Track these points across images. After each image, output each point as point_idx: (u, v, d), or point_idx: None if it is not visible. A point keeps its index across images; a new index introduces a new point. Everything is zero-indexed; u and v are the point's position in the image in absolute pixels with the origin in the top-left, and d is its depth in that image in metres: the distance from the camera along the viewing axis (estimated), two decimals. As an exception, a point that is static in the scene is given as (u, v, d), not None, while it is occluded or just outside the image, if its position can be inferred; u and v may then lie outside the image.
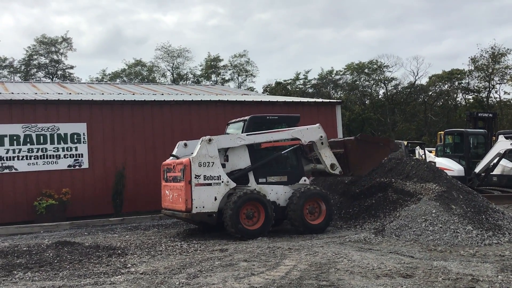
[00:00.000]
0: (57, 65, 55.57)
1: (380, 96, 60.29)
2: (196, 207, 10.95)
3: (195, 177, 10.96)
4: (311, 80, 60.95)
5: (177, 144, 12.50)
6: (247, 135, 11.77)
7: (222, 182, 11.19)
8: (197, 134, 16.64)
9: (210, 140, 11.24)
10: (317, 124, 12.60)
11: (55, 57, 55.22)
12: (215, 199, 11.12)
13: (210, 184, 11.07)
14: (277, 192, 11.81)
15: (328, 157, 12.35)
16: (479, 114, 24.22)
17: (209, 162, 11.11)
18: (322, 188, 12.76)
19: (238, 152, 11.69)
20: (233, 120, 13.22)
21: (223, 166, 11.41)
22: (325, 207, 11.86)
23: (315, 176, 13.93)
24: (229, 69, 61.44)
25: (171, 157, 12.29)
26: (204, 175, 11.03)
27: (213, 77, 60.76)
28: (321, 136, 12.29)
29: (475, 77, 55.83)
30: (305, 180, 12.18)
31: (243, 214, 11.11)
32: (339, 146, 12.74)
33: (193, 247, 10.15)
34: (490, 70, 53.93)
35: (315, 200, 11.83)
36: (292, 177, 12.10)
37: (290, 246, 9.74)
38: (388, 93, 59.29)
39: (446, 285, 6.73)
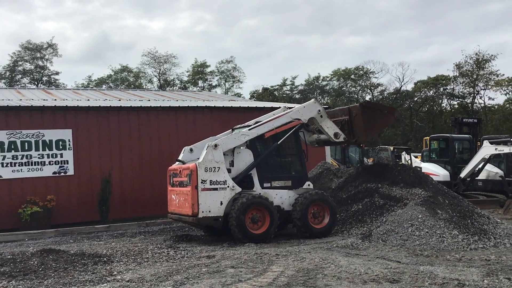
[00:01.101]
0: (43, 71, 55.20)
1: (366, 102, 60.50)
2: (203, 212, 11.09)
3: (202, 182, 11.11)
4: (298, 86, 61.26)
5: (183, 150, 12.63)
6: (249, 129, 11.95)
7: (228, 187, 11.34)
8: (184, 140, 16.62)
9: (216, 145, 11.38)
10: (312, 100, 12.99)
11: (40, 63, 54.90)
12: (221, 203, 11.26)
13: (216, 189, 11.24)
14: (281, 197, 11.94)
15: (330, 128, 12.64)
16: (464, 120, 24.52)
17: (215, 167, 11.25)
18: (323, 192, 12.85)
19: (243, 157, 11.84)
20: (238, 126, 13.35)
21: (229, 171, 11.53)
22: (329, 211, 11.97)
23: (320, 145, 14.06)
24: (216, 75, 61.53)
25: (177, 162, 12.40)
26: (210, 180, 11.18)
27: (200, 83, 60.77)
28: (319, 110, 12.57)
29: (460, 83, 56.51)
30: (309, 185, 12.29)
31: (248, 218, 11.23)
32: (344, 114, 13.02)
33: (180, 254, 10.08)
34: (475, 76, 54.57)
35: (319, 205, 11.93)
36: (296, 182, 12.21)
37: (278, 252, 9.72)
38: (374, 99, 59.68)
39: (433, 289, 6.74)
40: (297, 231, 11.90)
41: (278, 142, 12.07)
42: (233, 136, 11.81)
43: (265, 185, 11.90)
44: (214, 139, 12.46)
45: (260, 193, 11.65)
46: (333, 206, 12.11)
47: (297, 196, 11.97)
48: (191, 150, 12.50)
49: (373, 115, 12.74)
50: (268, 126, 12.06)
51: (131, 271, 8.57)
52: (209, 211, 11.16)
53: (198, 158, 11.54)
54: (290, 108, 13.49)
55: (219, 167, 11.30)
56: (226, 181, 11.33)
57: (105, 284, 7.63)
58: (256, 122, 12.49)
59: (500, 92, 56.30)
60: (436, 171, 19.87)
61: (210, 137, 12.78)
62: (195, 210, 11.11)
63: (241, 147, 12.05)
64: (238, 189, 11.45)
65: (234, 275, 7.80)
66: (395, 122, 13.67)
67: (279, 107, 14.30)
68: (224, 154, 11.49)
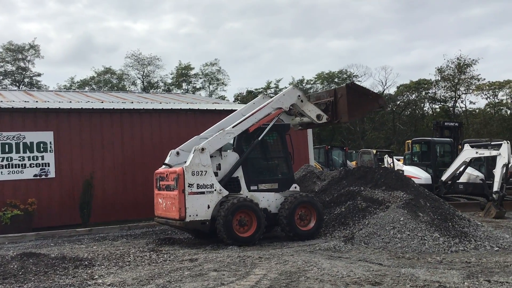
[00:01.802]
0: (24, 72, 54.50)
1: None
2: (190, 215, 11.06)
3: (189, 186, 11.08)
4: (282, 89, 61.16)
5: (169, 153, 12.55)
6: (233, 127, 11.96)
7: (215, 190, 11.33)
8: (167, 143, 16.56)
9: (203, 149, 11.36)
10: (291, 86, 13.16)
11: (22, 64, 54.16)
12: (208, 207, 11.24)
13: (203, 193, 11.22)
14: (268, 199, 11.96)
15: (312, 111, 12.78)
16: (446, 123, 24.75)
17: (202, 171, 11.25)
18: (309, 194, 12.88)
19: (229, 160, 11.84)
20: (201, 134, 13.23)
21: (216, 174, 11.51)
22: (316, 213, 12.00)
23: (304, 128, 14.08)
24: (200, 78, 61.35)
25: (164, 166, 12.33)
26: (197, 184, 11.17)
27: (184, 85, 60.53)
28: (299, 95, 12.70)
29: (442, 87, 57.19)
30: (295, 187, 12.32)
31: (235, 221, 11.23)
32: (329, 95, 13.12)
33: (163, 258, 10.02)
34: (456, 80, 55.28)
35: (306, 207, 11.97)
36: (283, 184, 12.25)
37: (261, 255, 9.72)
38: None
39: (414, 292, 6.80)
40: (284, 234, 11.94)
41: (261, 136, 12.04)
42: (219, 136, 11.78)
43: (252, 188, 11.91)
44: (199, 138, 12.47)
45: (247, 196, 11.66)
46: (320, 209, 12.15)
47: (283, 199, 11.99)
48: (177, 153, 12.45)
49: (358, 97, 12.77)
50: (251, 120, 12.06)
51: (112, 274, 8.50)
52: (196, 215, 11.13)
53: (185, 162, 11.51)
54: (267, 95, 13.72)
55: (206, 171, 11.30)
56: (213, 184, 11.32)
57: (86, 288, 7.56)
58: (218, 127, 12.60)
59: (481, 96, 57.22)
60: (418, 174, 20.07)
61: (195, 136, 12.72)
62: (182, 214, 11.08)
63: (228, 151, 12.05)
64: (225, 192, 11.44)
65: (216, 278, 7.78)
66: (379, 108, 13.85)
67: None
68: (211, 156, 11.49)
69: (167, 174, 11.82)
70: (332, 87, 13.23)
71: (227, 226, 11.05)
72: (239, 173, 11.84)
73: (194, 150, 11.40)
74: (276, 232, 12.73)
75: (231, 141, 12.18)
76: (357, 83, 14.61)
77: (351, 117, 12.94)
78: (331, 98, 12.90)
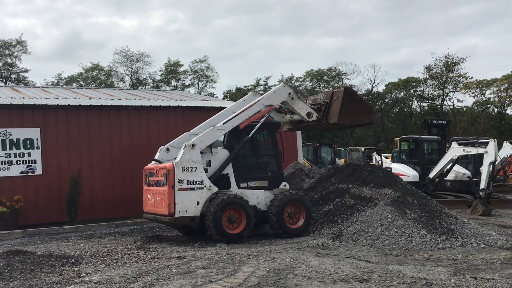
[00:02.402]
0: (11, 68, 53.96)
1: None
2: (179, 211, 11.04)
3: (179, 182, 11.06)
4: (272, 86, 61.20)
5: (159, 149, 12.51)
6: (223, 123, 11.94)
7: (205, 186, 11.31)
8: (155, 140, 16.50)
9: (193, 145, 11.33)
10: (281, 84, 13.14)
11: (9, 60, 53.61)
12: (198, 203, 11.23)
13: (193, 189, 11.21)
14: (258, 197, 11.97)
15: (302, 108, 12.80)
16: (433, 121, 24.90)
17: (192, 167, 11.22)
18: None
19: (220, 156, 11.83)
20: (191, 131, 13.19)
21: (206, 171, 11.49)
22: (305, 211, 12.04)
23: (293, 127, 14.00)
24: (189, 75, 61.15)
25: (154, 162, 12.28)
26: (187, 180, 11.14)
27: (173, 82, 60.31)
28: (290, 93, 12.71)
29: (430, 85, 57.52)
30: (285, 185, 12.34)
31: (225, 218, 11.23)
32: (326, 97, 13.09)
33: (150, 255, 9.97)
34: (444, 79, 55.60)
35: (295, 205, 12.00)
36: (273, 182, 12.27)
37: (249, 252, 9.71)
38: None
39: (401, 289, 6.83)
40: (273, 231, 11.95)
41: (251, 133, 12.02)
42: (209, 133, 11.75)
43: (242, 185, 11.92)
44: (189, 135, 12.41)
45: (236, 193, 11.66)
46: (309, 207, 12.19)
47: (273, 197, 12.01)
48: (167, 149, 12.41)
49: (352, 104, 12.71)
50: (242, 117, 12.05)
51: (99, 272, 8.44)
52: (186, 211, 11.12)
53: (175, 158, 11.47)
54: (257, 92, 13.65)
55: (196, 167, 11.28)
56: (203, 181, 11.31)
57: (73, 285, 7.51)
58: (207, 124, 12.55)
59: (469, 94, 57.65)
60: (406, 172, 20.17)
61: (185, 132, 12.67)
62: (171, 210, 11.05)
63: (218, 147, 12.02)
64: (215, 189, 11.43)
65: (204, 276, 7.76)
66: (369, 123, 13.70)
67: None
68: (201, 153, 11.46)
69: (156, 170, 11.77)
70: (330, 89, 13.10)
71: (216, 222, 11.04)
72: (229, 170, 11.83)
73: (185, 146, 11.36)
74: (264, 230, 12.73)
75: (222, 138, 12.16)
76: (358, 92, 14.29)
77: (340, 120, 12.66)
78: (327, 100, 12.89)
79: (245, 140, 12.02)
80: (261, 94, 13.30)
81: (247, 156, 12.45)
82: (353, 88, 12.54)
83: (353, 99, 12.92)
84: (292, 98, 12.70)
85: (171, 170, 11.11)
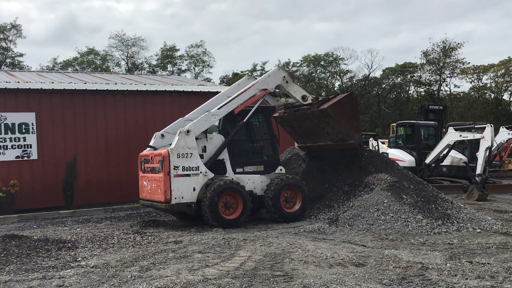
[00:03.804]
0: (6, 52, 53.56)
1: (335, 88, 61.08)
2: (175, 198, 11.03)
3: (174, 168, 11.03)
4: (268, 71, 61.05)
5: (154, 135, 12.43)
6: (218, 109, 11.86)
7: (201, 172, 11.28)
8: (151, 125, 16.44)
9: (188, 131, 11.27)
10: (276, 67, 13.06)
11: (3, 44, 53.19)
12: (194, 189, 11.21)
13: (188, 175, 11.18)
14: (254, 182, 11.96)
15: (297, 91, 12.74)
16: (430, 107, 24.92)
17: (187, 153, 11.19)
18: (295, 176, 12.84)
19: (215, 142, 11.79)
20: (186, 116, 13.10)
21: (201, 157, 11.45)
22: (301, 195, 12.06)
23: (289, 109, 13.53)
24: (186, 60, 60.83)
25: (148, 148, 12.22)
26: (182, 166, 11.11)
27: (169, 67, 60.00)
28: (284, 76, 12.66)
29: (427, 71, 57.48)
30: (281, 169, 12.33)
31: (221, 204, 11.23)
32: (332, 95, 13.05)
33: (147, 240, 9.99)
34: (441, 64, 55.53)
35: (291, 189, 12.01)
36: (269, 167, 12.25)
37: (245, 237, 9.72)
38: (344, 85, 60.13)
39: (397, 273, 6.86)
40: (270, 216, 11.98)
41: (246, 118, 11.95)
42: (204, 118, 11.69)
43: (238, 170, 11.90)
44: (184, 120, 12.34)
45: (232, 179, 11.64)
46: (305, 191, 12.20)
47: (269, 181, 12.00)
48: (162, 135, 12.33)
49: (348, 108, 12.42)
50: (236, 102, 11.98)
51: (96, 256, 8.44)
52: (182, 197, 11.10)
53: (170, 144, 11.42)
54: (252, 76, 13.51)
55: (192, 153, 11.24)
56: (198, 167, 11.28)
57: (69, 270, 7.50)
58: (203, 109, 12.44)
59: (466, 80, 57.69)
60: (402, 157, 20.19)
61: (180, 118, 12.60)
62: (167, 197, 11.03)
63: (213, 133, 11.96)
64: (211, 174, 11.41)
65: (201, 260, 7.77)
66: (350, 140, 12.46)
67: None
68: (196, 139, 11.41)
69: (152, 157, 11.72)
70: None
71: (212, 208, 11.04)
72: (225, 155, 11.80)
73: (180, 132, 11.31)
74: (261, 214, 12.74)
75: (217, 123, 12.10)
76: (357, 102, 13.71)
77: (329, 109, 12.11)
78: (332, 96, 12.89)
79: (240, 125, 11.97)
80: (256, 78, 13.20)
81: (242, 141, 12.41)
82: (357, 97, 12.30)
83: (352, 105, 12.59)
84: (287, 82, 12.63)
85: (166, 156, 11.07)
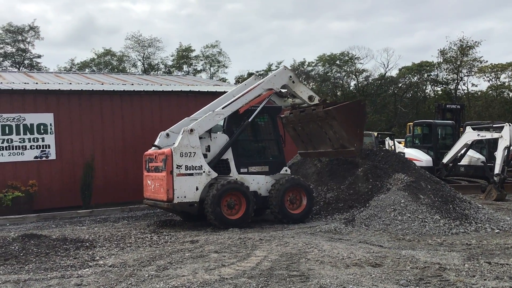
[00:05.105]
0: (24, 54, 54.17)
1: (351, 88, 60.81)
2: (178, 197, 11.00)
3: (177, 167, 11.00)
4: (274, 71, 60.94)
5: (159, 134, 12.43)
6: (222, 108, 11.78)
7: (204, 172, 11.24)
8: (167, 125, 16.41)
9: (192, 130, 11.24)
10: (282, 67, 12.82)
11: (22, 46, 53.81)
12: (197, 189, 11.17)
13: (191, 174, 11.14)
14: (258, 182, 11.86)
15: (303, 92, 12.53)
16: (447, 106, 24.72)
17: (190, 152, 11.16)
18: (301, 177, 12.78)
19: (219, 141, 11.73)
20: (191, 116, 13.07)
21: (205, 156, 11.41)
22: (306, 197, 11.92)
23: (295, 109, 13.16)
24: (201, 60, 60.96)
25: (153, 147, 12.23)
26: (185, 165, 11.08)
27: (185, 67, 60.19)
28: (290, 76, 12.45)
29: (444, 69, 56.83)
30: (286, 170, 12.22)
31: (224, 204, 11.16)
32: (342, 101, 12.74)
33: (163, 239, 10.05)
34: (459, 63, 54.91)
35: (296, 190, 11.88)
36: (274, 167, 12.15)
37: (261, 237, 9.73)
38: (359, 84, 59.83)
39: (414, 273, 6.82)
40: (274, 217, 11.84)
41: (251, 118, 11.86)
42: (208, 117, 11.62)
43: (242, 170, 11.81)
44: (189, 120, 12.29)
45: (236, 179, 11.55)
46: (310, 191, 12.07)
47: (274, 182, 11.88)
48: (167, 135, 12.29)
49: (354, 114, 12.05)
50: (241, 101, 11.87)
51: (113, 256, 8.52)
52: (185, 197, 11.06)
53: (174, 143, 11.39)
54: (258, 76, 13.38)
55: (195, 152, 11.19)
56: (202, 166, 11.23)
57: (87, 269, 7.58)
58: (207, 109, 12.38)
59: (483, 78, 56.98)
60: (419, 157, 20.05)
61: (185, 118, 12.58)
62: (170, 196, 11.01)
63: (218, 132, 11.92)
64: (214, 174, 11.35)
65: (217, 260, 7.79)
66: (349, 150, 12.15)
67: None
68: (200, 138, 11.37)
69: (155, 156, 11.70)
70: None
71: (215, 208, 10.96)
72: (229, 155, 11.70)
73: (183, 131, 11.25)
74: (266, 216, 12.62)
75: (221, 123, 12.03)
76: (365, 111, 13.35)
77: (334, 111, 11.85)
78: (341, 100, 12.80)
79: (245, 125, 11.86)
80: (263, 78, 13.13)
81: (247, 140, 12.31)
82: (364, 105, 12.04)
83: (358, 113, 12.23)
84: (293, 82, 12.46)
85: (169, 155, 11.03)
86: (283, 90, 12.76)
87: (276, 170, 12.13)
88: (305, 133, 12.94)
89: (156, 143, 12.30)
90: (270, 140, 12.51)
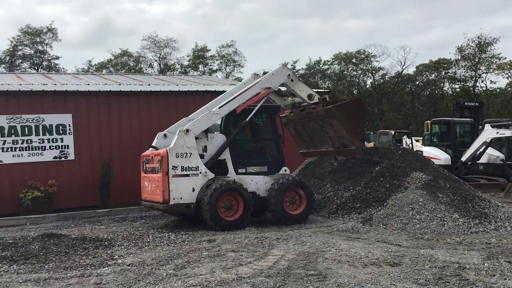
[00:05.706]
0: (42, 55, 54.88)
1: (367, 86, 60.50)
2: (174, 198, 10.88)
3: (173, 168, 10.87)
4: (299, 70, 60.89)
5: (157, 135, 12.33)
6: (219, 107, 11.65)
7: (200, 173, 11.10)
8: (184, 125, 16.55)
9: (187, 130, 11.10)
10: (280, 65, 12.52)
11: (40, 47, 54.51)
12: (193, 190, 11.03)
13: (188, 175, 10.99)
14: (257, 183, 11.70)
15: (303, 90, 12.23)
16: (466, 103, 24.41)
17: (186, 153, 11.02)
18: (301, 177, 12.62)
19: (216, 142, 11.59)
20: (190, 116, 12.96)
21: (201, 157, 11.28)
22: (306, 196, 11.72)
23: (295, 108, 12.84)
24: (217, 60, 61.17)
25: (150, 148, 12.14)
26: (181, 166, 10.95)
27: (201, 67, 60.44)
28: (289, 75, 12.15)
29: (462, 67, 56.19)
30: (285, 170, 12.04)
31: (221, 205, 11.01)
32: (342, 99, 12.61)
33: (181, 238, 10.10)
34: (477, 60, 54.25)
35: (295, 190, 11.69)
36: (273, 167, 11.98)
37: (278, 236, 9.73)
38: (376, 82, 59.49)
39: (433, 273, 6.76)
40: (274, 218, 11.66)
41: (249, 117, 11.68)
42: (204, 117, 11.46)
43: (240, 170, 11.63)
44: (187, 120, 12.10)
45: (234, 179, 11.39)
46: (310, 192, 11.89)
47: (273, 182, 11.69)
48: (165, 135, 12.09)
49: (354, 113, 11.75)
50: (239, 101, 11.68)
51: (132, 255, 8.59)
52: (181, 198, 10.91)
53: (170, 144, 11.26)
54: (257, 75, 13.15)
55: (191, 153, 11.03)
56: (198, 167, 11.07)
57: (106, 268, 7.66)
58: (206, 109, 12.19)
59: (502, 75, 56.04)
60: (437, 155, 19.86)
61: (183, 118, 12.43)
62: (166, 197, 10.87)
63: (215, 132, 11.80)
64: (211, 175, 11.19)
65: (235, 259, 7.81)
66: (350, 147, 11.79)
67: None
68: (197, 138, 11.23)
69: (152, 157, 11.56)
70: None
71: (212, 210, 10.81)
72: (226, 155, 11.54)
73: (179, 131, 11.11)
74: (267, 217, 12.47)
75: (219, 122, 11.89)
76: (365, 110, 13.03)
77: (334, 109, 11.59)
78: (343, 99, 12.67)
79: (242, 124, 11.67)
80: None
81: (245, 140, 12.15)
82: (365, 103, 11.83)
83: (359, 111, 11.97)
84: (292, 80, 12.13)
85: (165, 156, 10.90)
86: (282, 89, 12.54)
87: (275, 170, 11.94)
88: (306, 132, 12.77)
89: (153, 143, 12.13)
90: (269, 139, 12.31)
